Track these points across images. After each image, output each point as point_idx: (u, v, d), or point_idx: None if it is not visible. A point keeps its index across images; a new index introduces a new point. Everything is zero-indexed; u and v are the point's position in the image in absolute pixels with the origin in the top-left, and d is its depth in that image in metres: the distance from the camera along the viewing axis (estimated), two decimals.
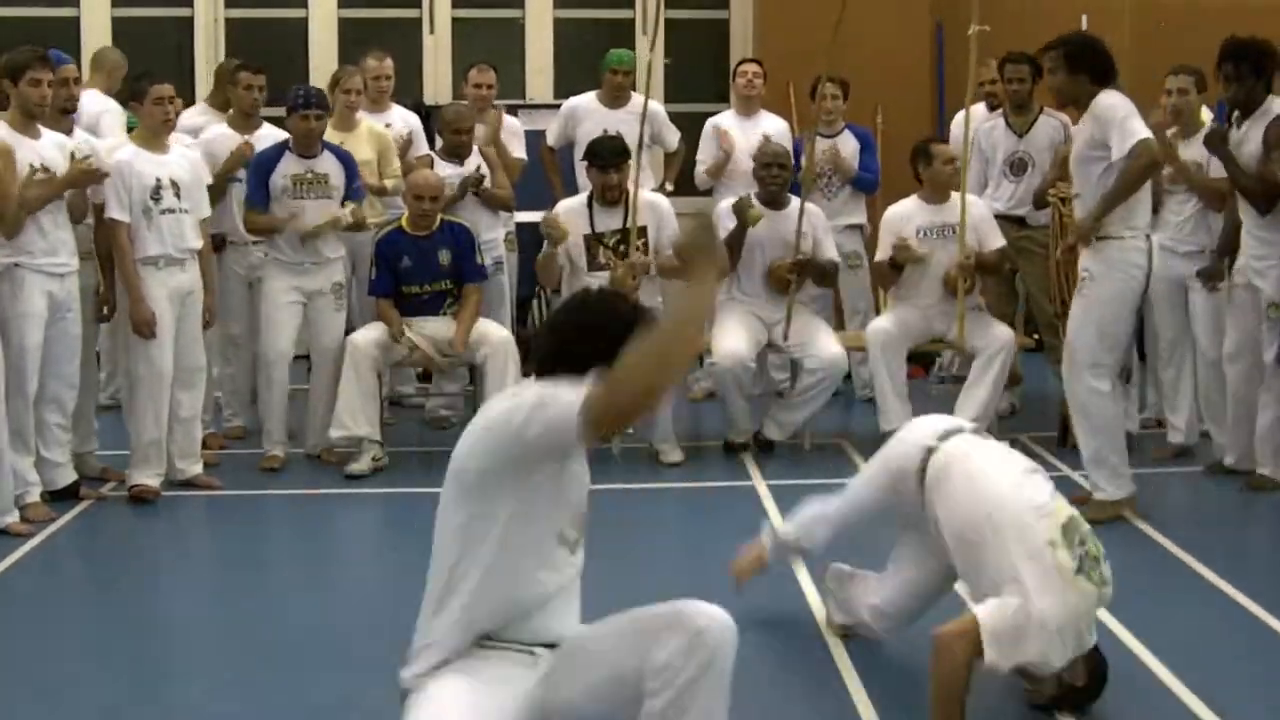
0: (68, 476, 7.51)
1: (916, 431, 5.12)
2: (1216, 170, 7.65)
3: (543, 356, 3.86)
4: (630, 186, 8.43)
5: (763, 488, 7.75)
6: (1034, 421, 9.00)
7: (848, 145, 9.83)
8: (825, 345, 8.40)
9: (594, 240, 8.46)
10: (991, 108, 9.55)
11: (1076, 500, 7.04)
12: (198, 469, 7.86)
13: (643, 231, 8.44)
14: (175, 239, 7.62)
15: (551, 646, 3.84)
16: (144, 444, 7.62)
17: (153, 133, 7.65)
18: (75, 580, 6.69)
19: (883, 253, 8.59)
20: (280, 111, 8.50)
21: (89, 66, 9.37)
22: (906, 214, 8.57)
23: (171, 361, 7.63)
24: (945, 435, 4.99)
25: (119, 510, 7.51)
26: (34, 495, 7.20)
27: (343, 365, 8.20)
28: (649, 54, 9.11)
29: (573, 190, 9.32)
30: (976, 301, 8.49)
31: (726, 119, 9.96)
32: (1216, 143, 7.39)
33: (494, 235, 9.22)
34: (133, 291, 7.51)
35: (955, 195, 8.44)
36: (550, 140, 9.89)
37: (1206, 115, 8.29)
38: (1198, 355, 8.06)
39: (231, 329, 8.68)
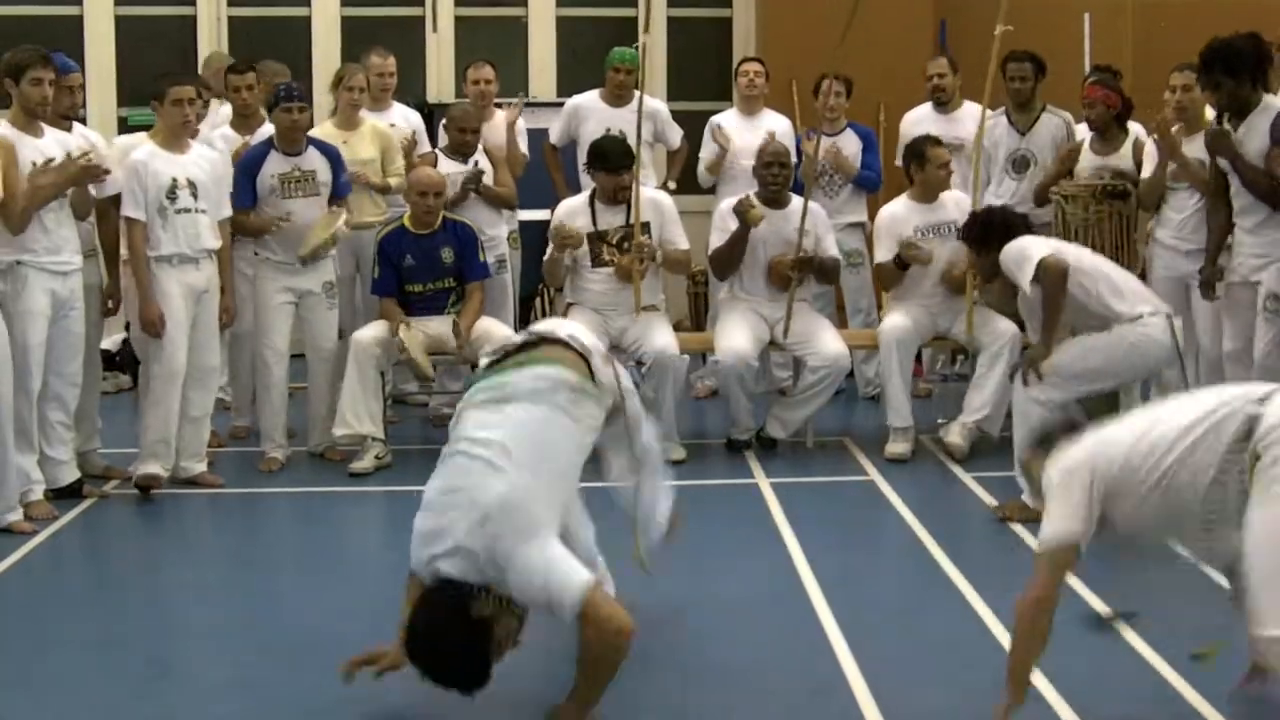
0: (71, 474, 7.51)
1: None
2: None
3: None
4: (633, 186, 8.45)
5: (765, 486, 7.75)
6: None
7: (850, 144, 9.82)
8: (828, 343, 8.40)
9: (597, 238, 8.47)
10: (939, 103, 9.63)
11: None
12: (202, 468, 7.87)
13: (646, 228, 8.45)
14: (190, 239, 7.63)
15: None
16: (152, 440, 7.63)
17: (171, 134, 7.65)
18: (78, 579, 6.69)
19: (882, 255, 8.60)
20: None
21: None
22: (901, 216, 8.57)
23: (185, 359, 7.64)
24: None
25: (122, 509, 7.51)
26: (37, 493, 7.21)
27: (341, 363, 8.21)
28: (641, 44, 9.05)
29: (575, 189, 9.34)
30: (977, 300, 8.49)
31: (729, 118, 9.96)
32: (1225, 143, 7.32)
33: (497, 233, 9.22)
34: (143, 291, 7.53)
35: (945, 193, 8.47)
36: (553, 138, 9.90)
37: (1209, 113, 8.27)
38: (1199, 354, 8.05)
39: (239, 325, 8.67)
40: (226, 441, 8.69)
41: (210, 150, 7.99)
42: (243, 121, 8.76)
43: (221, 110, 9.17)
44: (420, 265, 8.37)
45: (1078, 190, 8.21)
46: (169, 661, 5.41)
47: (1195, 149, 7.77)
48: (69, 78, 7.56)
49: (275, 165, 8.23)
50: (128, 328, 8.25)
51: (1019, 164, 9.05)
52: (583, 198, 8.68)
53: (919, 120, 9.65)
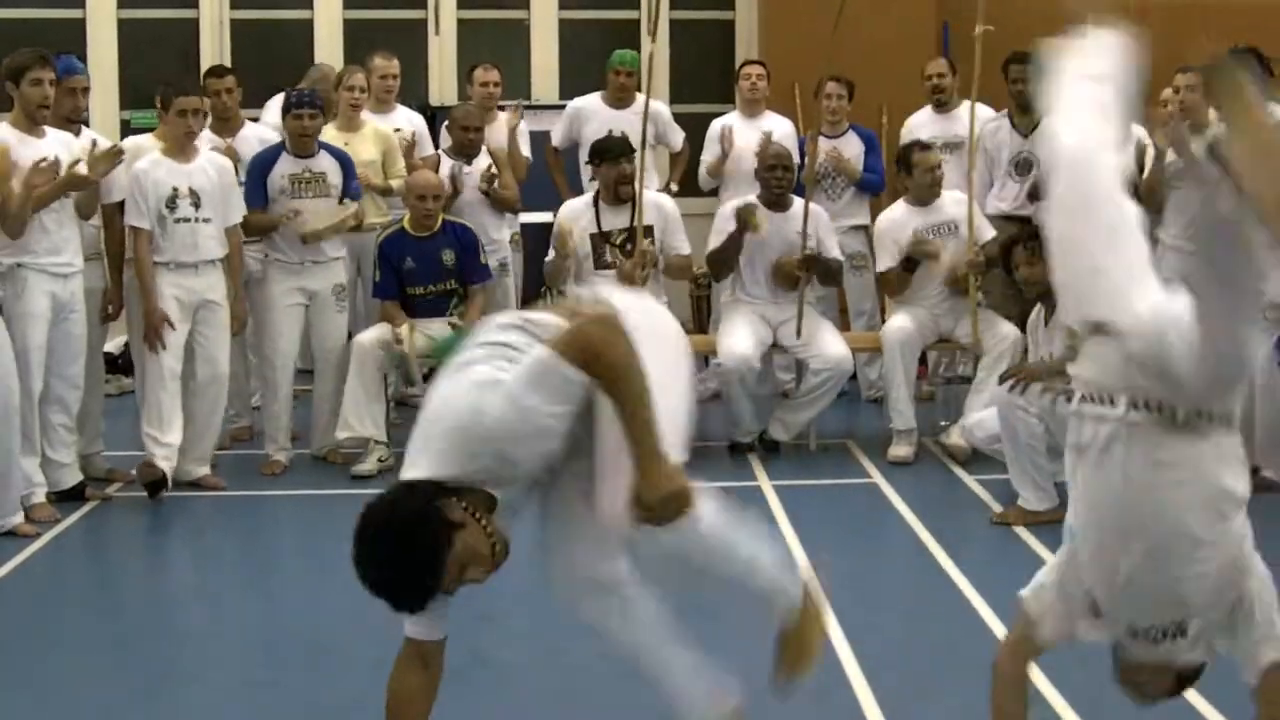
0: (73, 477, 7.51)
1: None
2: None
3: None
4: (636, 186, 8.46)
5: (768, 488, 7.75)
6: None
7: (852, 146, 9.81)
8: (831, 345, 8.41)
9: (600, 239, 8.48)
10: (939, 104, 9.63)
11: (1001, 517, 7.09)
12: (205, 471, 7.86)
13: (649, 231, 8.45)
14: (188, 248, 7.66)
15: None
16: (146, 440, 7.64)
17: (175, 144, 7.68)
18: (80, 581, 6.69)
19: (884, 263, 8.59)
20: (257, 112, 8.50)
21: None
22: (900, 220, 8.59)
23: (178, 362, 7.64)
24: None
25: (125, 511, 7.51)
26: (39, 496, 7.21)
27: (347, 366, 8.21)
28: (649, 50, 9.07)
29: (577, 191, 9.34)
30: (980, 300, 8.50)
31: (731, 120, 9.95)
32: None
33: (500, 236, 9.23)
34: (147, 299, 7.56)
35: (943, 195, 8.48)
36: (555, 141, 9.90)
37: (1212, 114, 8.27)
38: None
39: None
40: (228, 444, 8.68)
41: (219, 157, 7.99)
42: (223, 125, 8.73)
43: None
44: (421, 268, 8.37)
45: None
46: (172, 664, 5.41)
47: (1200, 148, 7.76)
48: (73, 80, 7.54)
49: (286, 166, 8.26)
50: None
51: (1022, 166, 9.05)
52: (586, 199, 8.70)
53: (920, 124, 9.66)
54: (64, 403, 7.36)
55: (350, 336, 8.52)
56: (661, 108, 9.96)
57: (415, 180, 8.49)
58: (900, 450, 8.31)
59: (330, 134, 8.83)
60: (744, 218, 8.40)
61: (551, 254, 8.53)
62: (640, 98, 9.22)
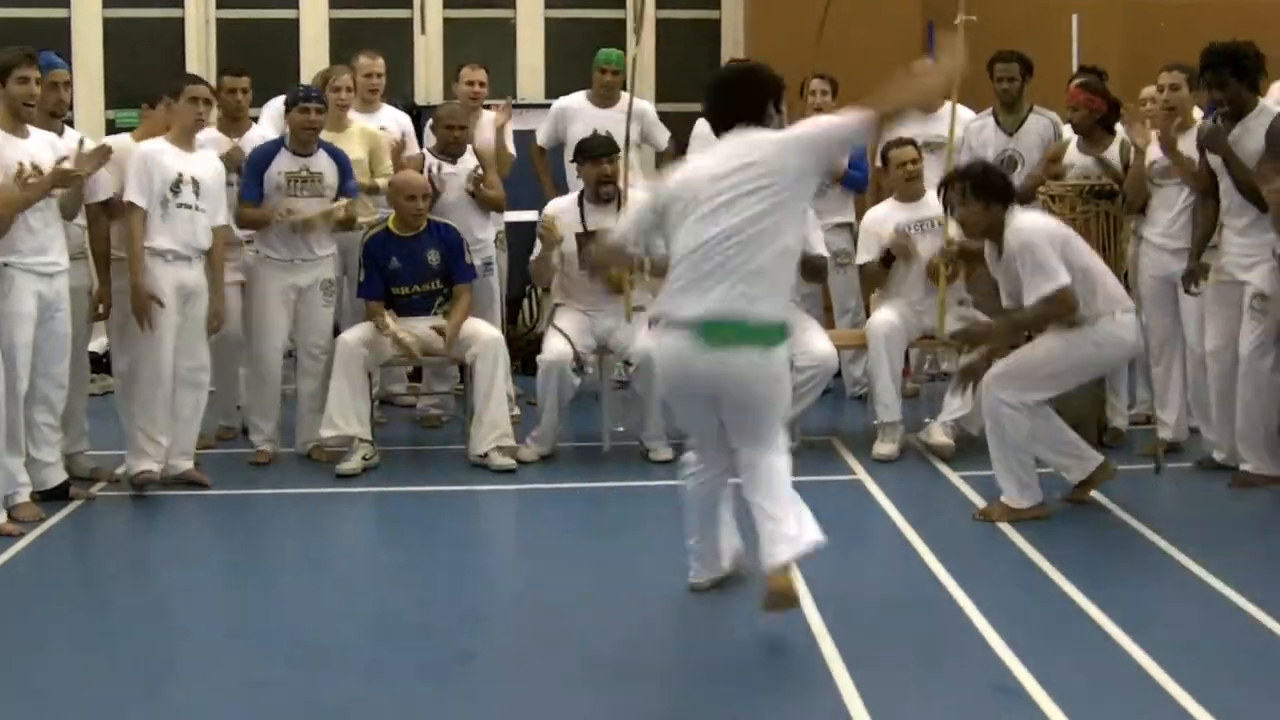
0: (58, 476, 7.50)
1: None
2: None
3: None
4: (622, 185, 8.47)
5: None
6: None
7: None
8: (816, 343, 8.40)
9: (585, 239, 8.48)
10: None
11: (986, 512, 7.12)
12: (189, 465, 7.86)
13: None
14: (187, 235, 7.69)
15: None
16: (139, 437, 7.64)
17: (184, 131, 7.76)
18: (65, 581, 6.67)
19: (864, 256, 8.62)
20: (255, 111, 8.52)
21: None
22: (883, 215, 8.66)
23: (171, 358, 7.65)
24: None
25: (109, 510, 7.50)
26: (24, 495, 7.19)
27: (332, 363, 8.22)
28: (634, 51, 9.09)
29: (563, 190, 9.34)
30: (963, 298, 8.50)
31: None
32: (1219, 141, 7.36)
33: (485, 235, 9.23)
34: (136, 276, 7.55)
35: (929, 192, 8.48)
36: (540, 140, 9.90)
37: (1196, 114, 8.28)
38: (1187, 352, 8.07)
39: (226, 327, 8.63)
40: (213, 443, 8.67)
41: (213, 156, 8.01)
42: (232, 124, 8.75)
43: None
44: (406, 268, 8.38)
45: (1064, 190, 8.22)
46: (157, 663, 5.40)
47: (1184, 147, 7.78)
48: (55, 74, 7.54)
49: (284, 163, 8.28)
50: (109, 332, 8.24)
51: (1006, 164, 9.03)
52: (571, 198, 8.71)
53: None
54: (49, 402, 7.35)
55: (336, 333, 8.54)
56: (647, 107, 9.97)
57: (403, 180, 8.49)
58: (885, 448, 8.32)
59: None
60: None
61: (537, 250, 8.52)
62: (626, 97, 9.22)
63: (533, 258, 8.63)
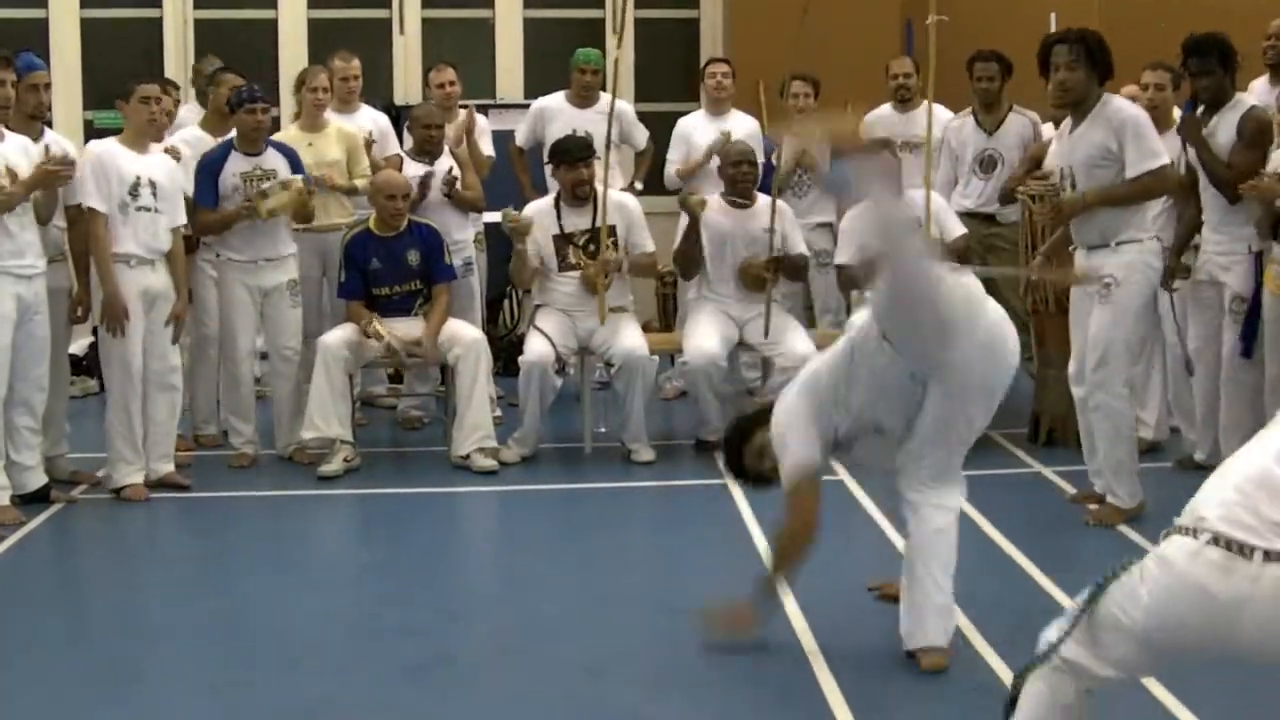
0: (38, 480, 7.47)
1: None
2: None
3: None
4: (599, 186, 8.47)
5: (735, 486, 7.74)
6: (1004, 419, 8.92)
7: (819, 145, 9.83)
8: (797, 343, 8.41)
9: (563, 240, 8.48)
10: (901, 101, 9.66)
11: (1084, 498, 7.10)
12: (169, 468, 7.84)
13: (612, 231, 8.46)
14: (149, 238, 7.60)
15: None
16: (119, 445, 7.61)
17: (138, 132, 7.64)
18: (45, 584, 6.65)
19: (843, 257, 8.60)
20: None
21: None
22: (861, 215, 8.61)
23: (141, 362, 7.62)
24: None
25: (90, 514, 7.48)
26: (3, 499, 7.17)
27: (308, 365, 8.22)
28: (615, 52, 9.09)
29: (542, 191, 9.32)
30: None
31: (697, 119, 9.95)
32: (1194, 130, 7.39)
33: (464, 236, 9.21)
34: (108, 283, 7.48)
35: (911, 191, 8.47)
36: (519, 140, 9.88)
37: (1176, 113, 8.30)
38: (1167, 351, 8.09)
39: (206, 329, 8.61)
40: (194, 447, 8.63)
41: (168, 156, 7.95)
42: (220, 122, 8.73)
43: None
44: (386, 268, 8.37)
45: (1044, 189, 8.22)
46: (138, 666, 5.39)
47: (1168, 145, 7.79)
48: (33, 76, 7.51)
49: (237, 165, 8.24)
50: (95, 332, 8.19)
51: (986, 164, 9.07)
52: (549, 200, 8.70)
53: (878, 120, 9.68)
54: (29, 404, 7.32)
55: (310, 338, 8.52)
56: (626, 107, 9.95)
57: (384, 180, 8.48)
58: None
59: (294, 135, 8.85)
60: (685, 206, 8.47)
61: (516, 252, 8.51)
62: (605, 97, 9.22)
63: (512, 260, 8.61)
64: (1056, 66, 6.74)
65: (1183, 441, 8.07)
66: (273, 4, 12.40)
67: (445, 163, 9.12)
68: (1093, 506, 7.01)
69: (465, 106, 9.68)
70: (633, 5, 9.46)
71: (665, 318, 10.85)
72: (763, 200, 8.61)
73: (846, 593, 6.03)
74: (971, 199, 9.09)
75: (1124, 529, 6.82)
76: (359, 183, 8.94)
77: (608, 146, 8.74)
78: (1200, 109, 7.43)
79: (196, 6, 12.31)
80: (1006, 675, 4.98)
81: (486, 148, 9.80)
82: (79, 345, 9.28)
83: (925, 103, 8.77)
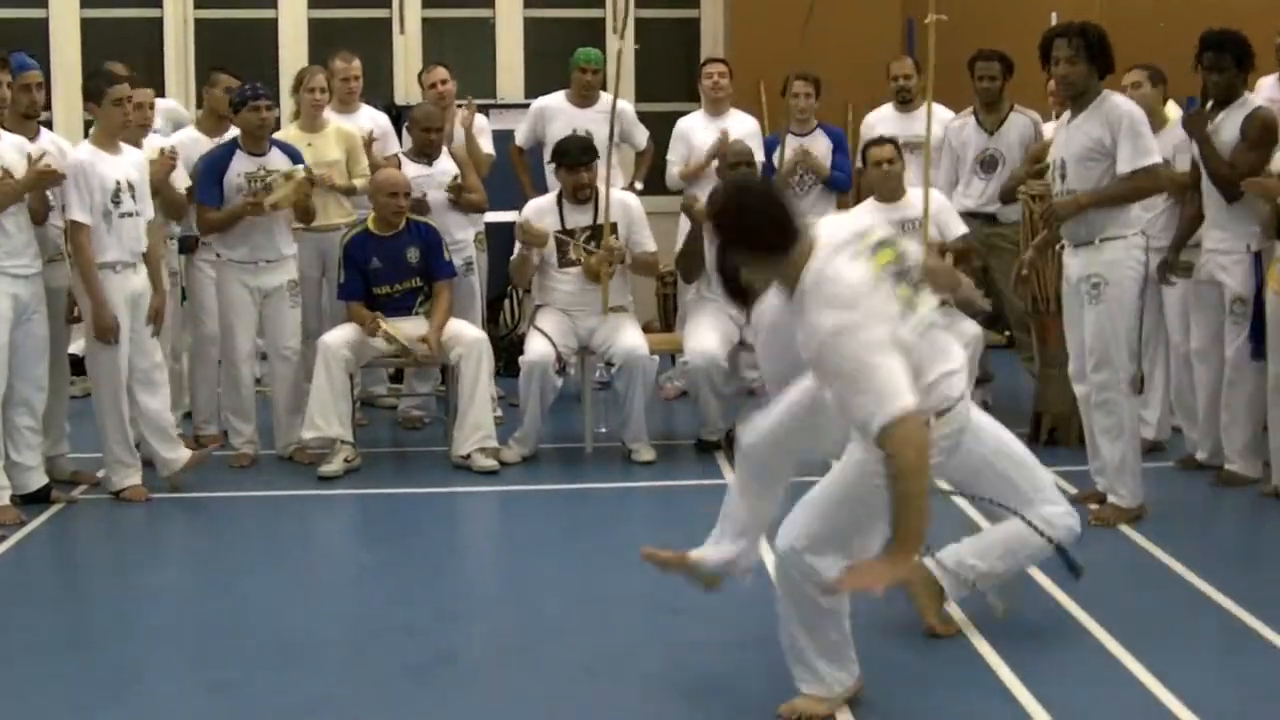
0: (39, 480, 7.46)
1: None
2: (1182, 167, 7.67)
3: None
4: (601, 185, 8.46)
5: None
6: (1005, 419, 8.89)
7: (820, 145, 9.82)
8: None
9: (565, 237, 8.48)
10: (902, 102, 9.66)
11: (1086, 498, 7.09)
12: (184, 454, 7.81)
13: (614, 228, 8.46)
14: (132, 242, 7.55)
15: None
16: (115, 448, 7.61)
17: (109, 135, 7.51)
18: (46, 584, 6.65)
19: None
20: None
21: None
22: (864, 216, 8.59)
23: (127, 364, 7.58)
24: None
25: (91, 513, 7.48)
26: (4, 499, 7.17)
27: (306, 363, 8.23)
28: (618, 51, 9.09)
29: (543, 190, 9.31)
30: (944, 297, 8.49)
31: (696, 119, 9.95)
32: (1199, 125, 7.38)
33: (465, 236, 9.20)
34: (95, 296, 7.39)
35: (911, 191, 8.45)
36: (519, 140, 9.87)
37: (1175, 111, 8.30)
38: (1169, 351, 8.09)
39: (205, 329, 8.60)
40: (195, 447, 8.62)
41: (136, 152, 7.77)
42: (217, 123, 8.73)
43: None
44: (386, 267, 8.37)
45: (1045, 189, 8.21)
46: (138, 665, 5.39)
47: (1160, 145, 7.78)
48: (26, 76, 7.46)
49: (242, 165, 8.24)
50: None
51: (987, 164, 9.08)
52: (550, 198, 8.69)
53: (879, 120, 9.68)
54: (29, 404, 7.31)
55: (310, 338, 8.52)
56: (626, 106, 9.94)
57: (385, 178, 8.47)
58: None
59: (294, 135, 8.84)
60: (688, 211, 8.47)
61: (517, 250, 8.51)
62: (605, 96, 9.22)
63: (513, 258, 8.62)
64: (1057, 60, 6.75)
65: (1184, 441, 8.06)
66: (273, 4, 12.40)
67: (444, 164, 9.11)
68: (1094, 506, 6.99)
69: (463, 103, 9.66)
70: (633, 4, 9.43)
71: (665, 318, 10.86)
72: None
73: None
74: (973, 199, 9.09)
75: (1125, 529, 6.81)
76: (358, 183, 8.93)
77: (609, 145, 8.73)
78: (1209, 105, 7.43)
79: (197, 6, 12.31)
80: (1002, 670, 5.00)
81: (486, 146, 9.79)
82: (79, 345, 9.25)
83: (926, 102, 8.76)
